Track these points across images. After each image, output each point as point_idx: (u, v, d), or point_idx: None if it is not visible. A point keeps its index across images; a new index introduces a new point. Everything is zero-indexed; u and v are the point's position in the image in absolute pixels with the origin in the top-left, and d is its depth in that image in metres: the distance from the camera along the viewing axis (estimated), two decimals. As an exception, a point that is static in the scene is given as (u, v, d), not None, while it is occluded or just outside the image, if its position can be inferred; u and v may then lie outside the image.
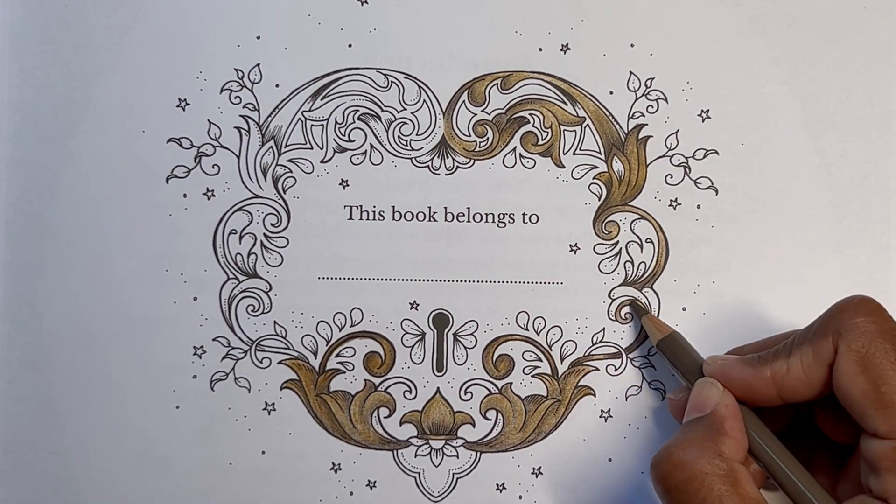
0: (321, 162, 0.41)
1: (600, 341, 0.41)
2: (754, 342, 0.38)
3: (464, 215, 0.41)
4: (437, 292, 0.41)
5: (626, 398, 0.41)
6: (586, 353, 0.41)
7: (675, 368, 0.37)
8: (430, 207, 0.41)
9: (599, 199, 0.41)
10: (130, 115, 0.41)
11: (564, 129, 0.41)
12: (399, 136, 0.41)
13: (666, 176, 0.41)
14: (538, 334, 0.41)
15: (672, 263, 0.41)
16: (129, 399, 0.40)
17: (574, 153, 0.41)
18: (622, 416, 0.41)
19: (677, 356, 0.37)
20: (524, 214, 0.41)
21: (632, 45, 0.41)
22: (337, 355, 0.41)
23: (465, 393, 0.41)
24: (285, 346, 0.41)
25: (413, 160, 0.41)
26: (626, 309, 0.41)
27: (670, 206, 0.41)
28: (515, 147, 0.41)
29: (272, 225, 0.41)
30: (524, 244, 0.41)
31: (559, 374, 0.41)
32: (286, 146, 0.41)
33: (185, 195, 0.41)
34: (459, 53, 0.41)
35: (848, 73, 0.41)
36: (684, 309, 0.41)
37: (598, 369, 0.41)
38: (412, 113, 0.41)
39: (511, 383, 0.41)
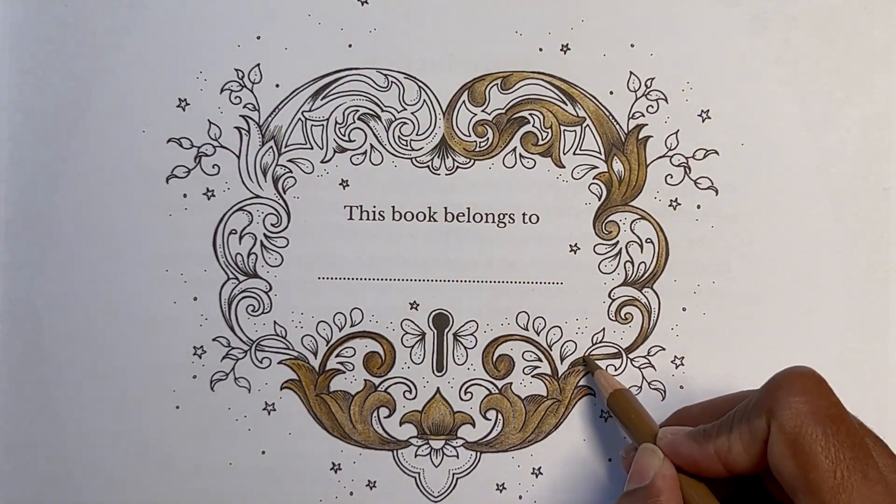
0: (321, 162, 0.41)
1: (600, 341, 0.41)
2: (702, 402, 0.37)
3: (464, 215, 0.41)
4: (437, 292, 0.41)
5: (626, 398, 0.41)
6: (586, 353, 0.41)
7: (624, 427, 0.37)
8: (430, 207, 0.41)
9: (599, 199, 0.41)
10: (130, 115, 0.41)
11: (564, 129, 0.41)
12: (399, 136, 0.41)
13: (666, 176, 0.41)
14: (538, 334, 0.41)
15: (672, 263, 0.41)
16: (129, 399, 0.40)
17: (574, 153, 0.41)
18: (622, 416, 0.41)
19: (627, 414, 0.37)
20: (524, 214, 0.41)
21: (632, 45, 0.41)
22: (337, 355, 0.41)
23: (465, 393, 0.41)
24: (285, 346, 0.41)
25: (413, 160, 0.41)
26: (627, 309, 0.41)
27: (670, 206, 0.41)
28: (515, 147, 0.41)
29: (272, 225, 0.41)
30: (524, 244, 0.41)
31: (559, 374, 0.41)
32: (286, 146, 0.41)
33: (185, 195, 0.41)
34: (459, 53, 0.41)
35: (848, 73, 0.41)
36: (684, 309, 0.41)
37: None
38: (412, 113, 0.41)
39: (511, 383, 0.41)
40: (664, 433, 0.35)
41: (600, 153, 0.41)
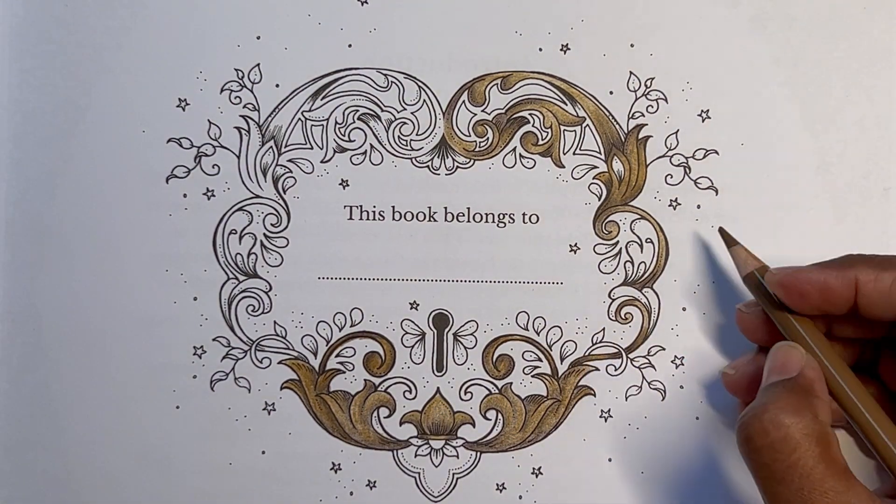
0: (321, 162, 0.41)
1: (600, 341, 0.41)
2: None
3: (464, 215, 0.41)
4: (437, 292, 0.41)
5: (626, 398, 0.41)
6: (586, 353, 0.41)
7: (764, 303, 0.36)
8: (430, 207, 0.41)
9: (599, 199, 0.41)
10: (130, 115, 0.41)
11: (564, 129, 0.41)
12: (399, 136, 0.41)
13: (666, 176, 0.41)
14: (538, 334, 0.41)
15: (672, 263, 0.41)
16: (129, 399, 0.40)
17: (574, 153, 0.41)
18: (622, 416, 0.41)
19: (765, 292, 0.36)
20: (524, 214, 0.41)
21: (632, 45, 0.41)
22: (337, 355, 0.41)
23: (465, 393, 0.41)
24: (285, 346, 0.41)
25: (413, 160, 0.41)
26: (627, 309, 0.41)
27: (670, 206, 0.41)
28: (515, 147, 0.41)
29: (272, 225, 0.41)
30: (524, 244, 0.41)
31: (559, 374, 0.41)
32: (286, 146, 0.41)
33: (185, 195, 0.41)
34: (459, 53, 0.41)
35: (848, 73, 0.41)
36: (684, 309, 0.41)
37: (598, 369, 0.41)
38: (412, 113, 0.41)
39: (511, 383, 0.41)
40: (778, 270, 0.35)
41: (600, 153, 0.41)
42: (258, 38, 0.41)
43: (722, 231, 0.38)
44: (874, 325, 0.34)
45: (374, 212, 0.41)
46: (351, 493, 0.41)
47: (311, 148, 0.41)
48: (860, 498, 0.29)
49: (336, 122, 0.41)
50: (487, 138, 0.41)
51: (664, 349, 0.40)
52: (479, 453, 0.41)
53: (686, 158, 0.41)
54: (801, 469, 0.30)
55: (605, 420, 0.41)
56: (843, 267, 0.33)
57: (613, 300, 0.41)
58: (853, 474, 0.31)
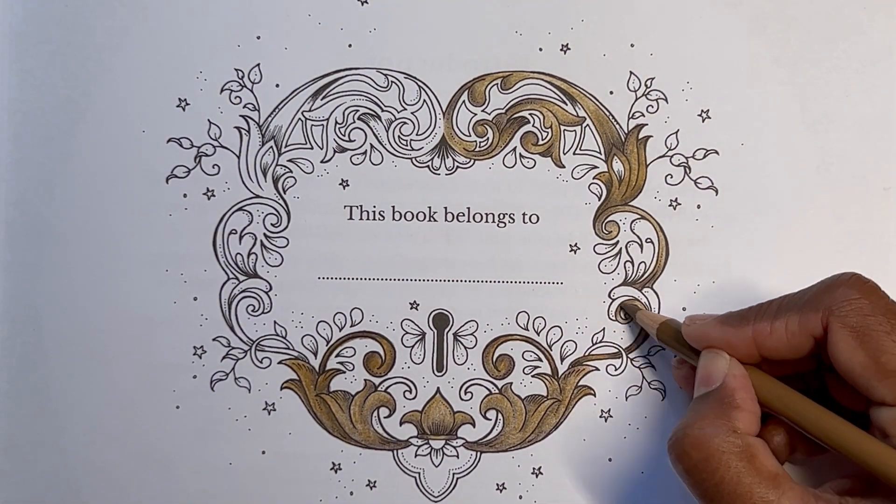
0: (321, 162, 0.41)
1: (600, 341, 0.41)
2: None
3: (464, 215, 0.41)
4: (437, 292, 0.41)
5: (626, 398, 0.41)
6: (586, 353, 0.41)
7: (680, 354, 0.37)
8: (430, 207, 0.41)
9: (599, 199, 0.41)
10: (130, 115, 0.41)
11: (564, 129, 0.41)
12: (399, 136, 0.41)
13: (666, 176, 0.41)
14: (538, 334, 0.41)
15: (672, 263, 0.41)
16: (129, 399, 0.40)
17: (574, 153, 0.41)
18: (622, 416, 0.41)
19: (678, 340, 0.37)
20: (524, 214, 0.41)
21: (632, 45, 0.41)
22: (337, 355, 0.41)
23: (465, 393, 0.41)
24: (285, 346, 0.41)
25: (413, 160, 0.41)
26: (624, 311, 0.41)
27: (670, 206, 0.41)
28: (515, 147, 0.41)
29: (272, 225, 0.41)
30: (524, 244, 0.41)
31: (559, 374, 0.41)
32: (286, 146, 0.41)
33: (185, 195, 0.41)
34: (459, 53, 0.41)
35: (848, 73, 0.41)
36: (684, 309, 0.41)
37: (598, 369, 0.41)
38: (412, 113, 0.41)
39: (511, 383, 0.41)
40: (691, 320, 0.36)
41: (600, 153, 0.41)
42: (258, 38, 0.41)
43: (623, 305, 0.40)
44: (794, 363, 0.35)
45: (374, 212, 0.41)
46: (351, 493, 0.41)
47: (311, 148, 0.41)
48: (793, 501, 0.30)
49: (336, 122, 0.41)
50: (487, 138, 0.41)
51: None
52: (479, 453, 0.41)
53: (686, 158, 0.41)
54: (727, 486, 0.30)
55: (605, 420, 0.41)
56: (740, 324, 0.34)
57: (613, 300, 0.41)
58: (787, 477, 0.31)
